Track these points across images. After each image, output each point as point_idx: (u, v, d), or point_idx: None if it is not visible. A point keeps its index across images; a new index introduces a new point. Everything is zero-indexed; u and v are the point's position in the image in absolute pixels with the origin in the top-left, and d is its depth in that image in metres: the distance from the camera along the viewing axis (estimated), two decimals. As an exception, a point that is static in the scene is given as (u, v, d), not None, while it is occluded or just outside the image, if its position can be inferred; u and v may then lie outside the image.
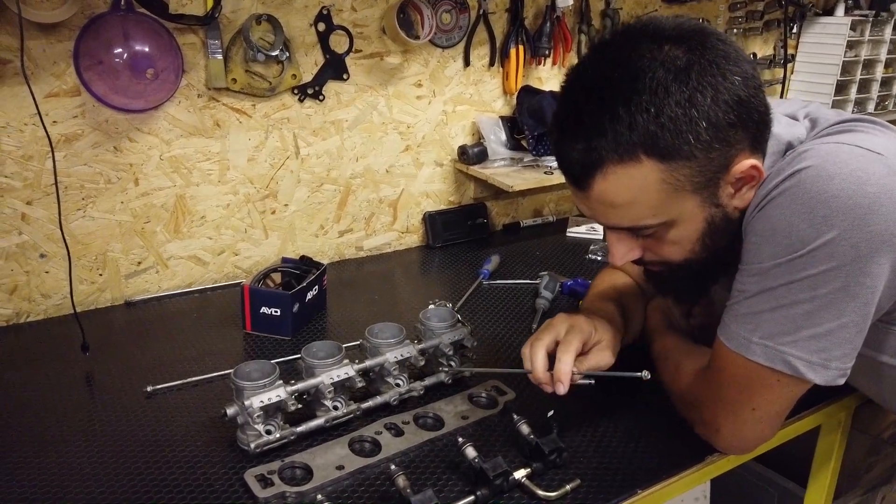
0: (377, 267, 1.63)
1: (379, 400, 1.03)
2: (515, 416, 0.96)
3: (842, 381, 0.82)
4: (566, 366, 0.91)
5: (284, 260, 1.38)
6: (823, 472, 1.25)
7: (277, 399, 0.92)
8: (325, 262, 1.56)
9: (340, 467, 0.90)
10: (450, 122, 1.71)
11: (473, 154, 1.69)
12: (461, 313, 1.38)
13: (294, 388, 0.94)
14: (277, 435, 0.93)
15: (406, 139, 1.65)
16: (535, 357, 0.93)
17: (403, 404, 1.05)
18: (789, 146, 0.87)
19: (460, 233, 1.76)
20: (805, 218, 0.77)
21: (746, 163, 0.81)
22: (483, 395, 1.08)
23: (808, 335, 0.79)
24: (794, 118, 0.92)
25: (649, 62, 0.77)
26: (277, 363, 0.97)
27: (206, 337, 1.26)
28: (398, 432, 0.98)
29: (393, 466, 0.85)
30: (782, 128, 0.88)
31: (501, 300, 1.44)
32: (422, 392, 1.06)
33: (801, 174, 0.78)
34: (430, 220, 1.72)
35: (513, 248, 1.75)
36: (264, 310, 1.25)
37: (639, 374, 0.91)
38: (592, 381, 0.97)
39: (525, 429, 0.94)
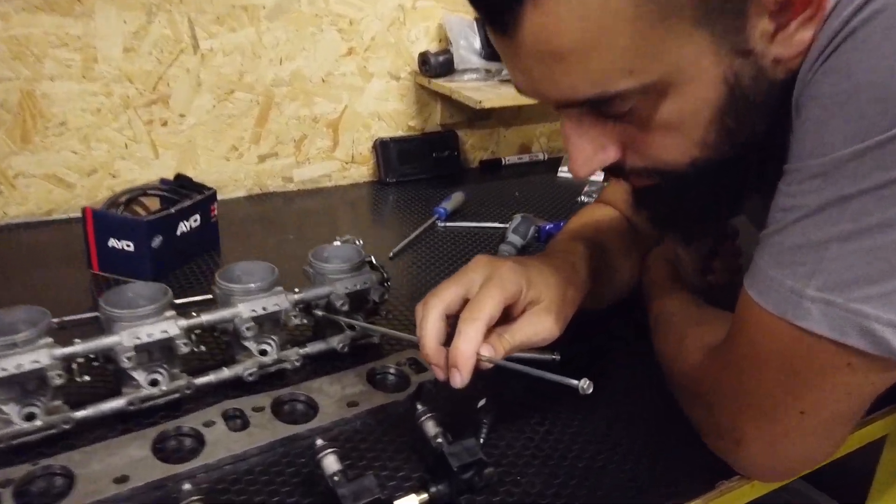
0: (311, 203, 1.28)
1: (226, 373, 0.68)
2: (421, 407, 0.61)
3: None
4: (467, 344, 0.55)
5: (163, 181, 1.04)
6: (888, 495, 0.89)
7: (34, 366, 0.58)
8: (241, 193, 1.22)
9: (122, 479, 0.56)
10: (408, 22, 1.33)
11: (437, 63, 1.32)
12: (398, 261, 1.03)
13: (64, 350, 0.60)
14: (38, 423, 0.59)
15: (348, 39, 1.28)
16: (425, 323, 0.57)
17: (267, 381, 0.70)
18: None
19: (422, 167, 1.40)
20: None
21: None
22: (391, 370, 0.73)
23: None
24: None
25: None
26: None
27: (36, 279, 0.92)
28: (242, 424, 0.64)
29: (187, 486, 0.51)
30: None
31: (456, 246, 1.09)
32: (298, 364, 0.72)
33: None
34: (383, 148, 1.36)
35: (488, 187, 1.40)
36: (113, 243, 0.90)
37: (575, 382, 0.52)
38: (557, 357, 0.65)
39: (432, 428, 0.59)
